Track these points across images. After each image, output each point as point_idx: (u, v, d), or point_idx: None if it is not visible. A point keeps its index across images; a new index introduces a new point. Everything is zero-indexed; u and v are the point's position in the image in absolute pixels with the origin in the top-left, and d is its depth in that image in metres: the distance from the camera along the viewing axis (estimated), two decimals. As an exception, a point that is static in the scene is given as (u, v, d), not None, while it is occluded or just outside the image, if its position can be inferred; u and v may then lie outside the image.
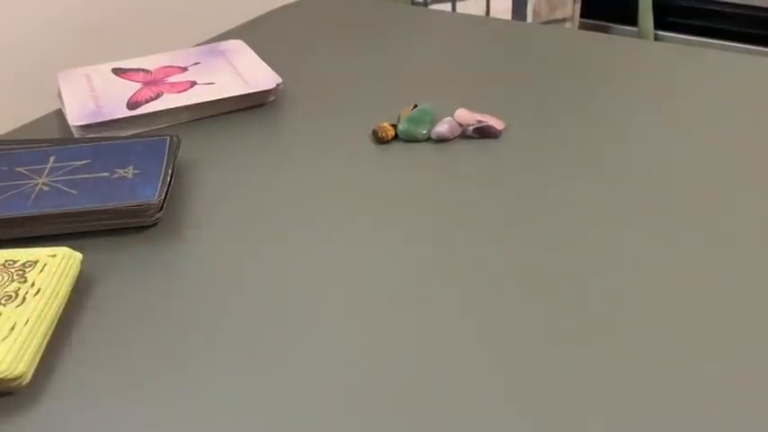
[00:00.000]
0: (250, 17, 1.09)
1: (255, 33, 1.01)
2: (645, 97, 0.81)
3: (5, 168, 0.67)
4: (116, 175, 0.65)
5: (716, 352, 0.49)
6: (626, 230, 0.61)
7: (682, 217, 0.62)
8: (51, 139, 0.73)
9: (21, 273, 0.53)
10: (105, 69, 0.87)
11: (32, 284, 0.52)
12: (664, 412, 0.45)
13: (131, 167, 0.66)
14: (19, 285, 0.52)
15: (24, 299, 0.51)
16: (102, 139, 0.71)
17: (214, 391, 0.48)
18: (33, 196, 0.63)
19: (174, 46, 1.11)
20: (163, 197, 0.62)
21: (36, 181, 0.65)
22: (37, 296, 0.52)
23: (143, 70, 0.87)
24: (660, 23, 1.98)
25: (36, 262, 0.54)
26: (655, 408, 0.45)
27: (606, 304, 0.53)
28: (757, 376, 0.47)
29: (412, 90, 0.85)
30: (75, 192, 0.63)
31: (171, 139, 0.70)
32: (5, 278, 0.53)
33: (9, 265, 0.54)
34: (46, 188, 0.64)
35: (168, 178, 0.65)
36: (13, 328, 0.49)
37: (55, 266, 0.54)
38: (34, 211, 0.61)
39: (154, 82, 0.84)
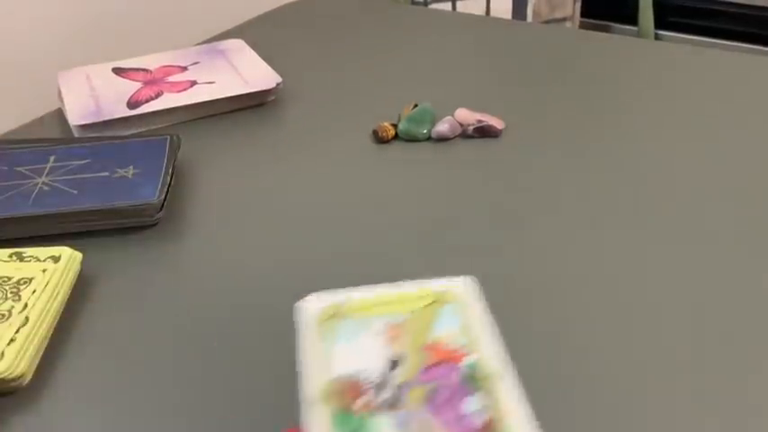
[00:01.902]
0: (250, 17, 1.09)
1: (255, 33, 1.01)
2: (645, 97, 0.81)
3: (5, 168, 0.67)
4: (116, 175, 0.65)
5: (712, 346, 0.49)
6: (626, 229, 0.61)
7: (681, 216, 0.62)
8: (51, 138, 0.73)
9: (15, 291, 0.53)
10: (105, 69, 0.87)
11: (26, 305, 0.51)
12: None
13: (131, 167, 0.66)
14: (13, 304, 0.51)
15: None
16: (103, 139, 0.71)
17: (214, 390, 0.48)
18: (33, 196, 0.63)
19: (174, 46, 1.11)
20: (163, 197, 0.62)
21: (36, 181, 0.65)
22: (34, 295, 0.52)
23: (143, 70, 0.87)
24: (661, 23, 1.98)
25: (32, 279, 0.54)
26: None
27: (605, 304, 0.53)
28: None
29: (412, 90, 0.85)
30: (75, 191, 0.63)
31: (171, 138, 0.70)
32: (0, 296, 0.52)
33: (4, 282, 0.53)
34: (46, 188, 0.64)
35: (168, 178, 0.65)
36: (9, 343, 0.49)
37: (50, 278, 0.54)
38: (34, 211, 0.61)
39: (154, 81, 0.84)
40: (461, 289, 0.49)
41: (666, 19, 2.01)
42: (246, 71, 0.85)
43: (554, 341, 0.50)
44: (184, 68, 0.87)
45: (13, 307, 0.51)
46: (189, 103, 0.79)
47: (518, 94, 0.83)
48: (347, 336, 0.46)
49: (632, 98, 0.81)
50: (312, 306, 0.48)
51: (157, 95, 0.80)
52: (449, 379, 0.43)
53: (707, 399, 0.46)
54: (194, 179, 0.70)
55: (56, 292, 0.53)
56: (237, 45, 0.92)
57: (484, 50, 0.94)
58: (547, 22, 1.83)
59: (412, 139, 0.74)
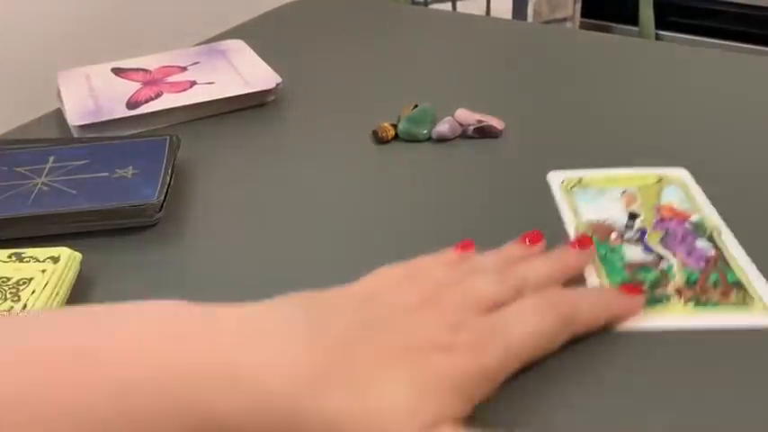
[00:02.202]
0: (250, 17, 1.09)
1: (255, 33, 1.01)
2: (646, 97, 0.81)
3: (5, 169, 0.67)
4: (115, 176, 0.65)
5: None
6: (626, 231, 0.61)
7: (682, 217, 0.62)
8: (51, 139, 0.73)
9: (14, 291, 0.53)
10: (105, 69, 0.87)
11: (25, 306, 0.51)
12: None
13: (131, 167, 0.66)
14: (12, 305, 0.51)
15: None
16: (102, 139, 0.71)
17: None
18: (33, 196, 0.63)
19: (174, 46, 1.11)
20: (162, 197, 0.62)
21: (35, 181, 0.65)
22: (33, 296, 0.52)
23: (143, 70, 0.87)
24: (662, 23, 1.98)
25: (31, 280, 0.54)
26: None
27: (607, 305, 0.53)
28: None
29: (412, 90, 0.85)
30: (74, 192, 0.63)
31: (171, 138, 0.70)
32: None
33: (3, 282, 0.53)
34: (45, 188, 0.64)
35: (168, 178, 0.65)
36: None
37: (50, 278, 0.54)
38: (33, 211, 0.61)
39: (153, 81, 0.83)
40: (681, 175, 0.64)
41: (666, 19, 2.01)
42: (246, 71, 0.85)
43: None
44: (184, 69, 0.86)
45: (12, 307, 0.51)
46: (188, 103, 0.79)
47: (518, 94, 0.83)
48: (590, 198, 0.61)
49: (633, 98, 0.81)
50: (558, 178, 0.65)
51: (157, 96, 0.80)
52: (679, 227, 0.57)
53: None
54: (194, 179, 0.70)
55: (55, 292, 0.53)
56: (237, 45, 0.92)
57: (484, 50, 0.94)
58: (547, 22, 1.83)
59: (412, 139, 0.74)
